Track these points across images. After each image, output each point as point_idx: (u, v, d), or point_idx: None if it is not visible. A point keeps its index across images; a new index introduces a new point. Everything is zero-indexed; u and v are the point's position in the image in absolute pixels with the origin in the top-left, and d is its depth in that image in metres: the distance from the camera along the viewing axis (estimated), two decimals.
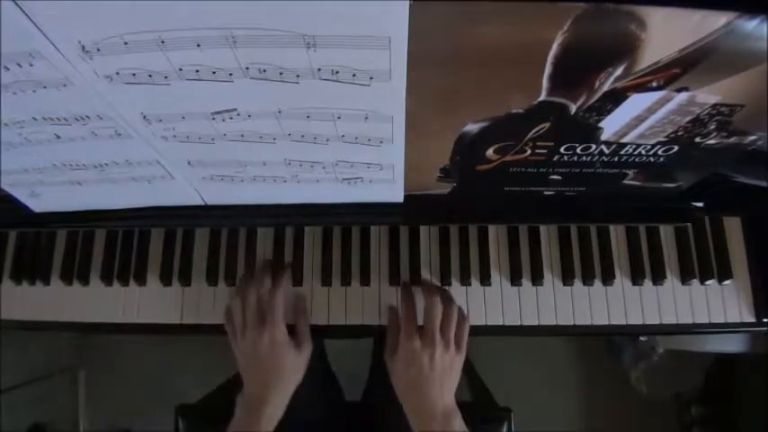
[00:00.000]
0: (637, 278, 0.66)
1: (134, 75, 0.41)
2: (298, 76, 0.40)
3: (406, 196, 0.61)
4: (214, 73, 0.40)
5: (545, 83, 0.41)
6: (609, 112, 0.45)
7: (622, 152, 0.51)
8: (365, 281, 0.67)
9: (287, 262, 0.67)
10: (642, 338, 1.23)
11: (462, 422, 0.55)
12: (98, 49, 0.38)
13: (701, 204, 0.65)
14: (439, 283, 0.67)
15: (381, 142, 0.50)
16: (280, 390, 0.57)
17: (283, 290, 0.61)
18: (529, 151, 0.51)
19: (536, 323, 0.65)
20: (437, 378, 0.55)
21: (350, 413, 0.85)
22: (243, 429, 0.56)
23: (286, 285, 0.63)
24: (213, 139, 0.50)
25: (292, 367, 0.58)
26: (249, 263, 0.68)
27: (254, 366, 0.57)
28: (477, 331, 0.65)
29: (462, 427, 0.55)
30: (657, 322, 0.65)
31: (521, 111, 0.45)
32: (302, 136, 0.49)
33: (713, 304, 0.65)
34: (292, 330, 0.63)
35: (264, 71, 0.40)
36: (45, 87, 0.42)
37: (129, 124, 0.48)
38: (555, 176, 0.57)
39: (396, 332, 0.59)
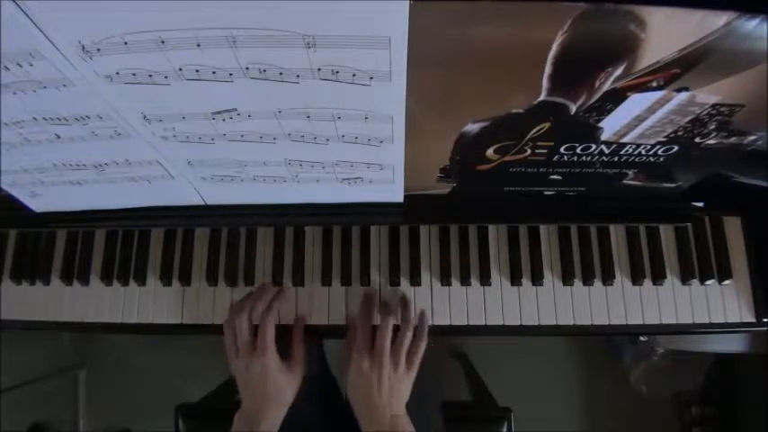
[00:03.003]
0: (637, 278, 0.66)
1: (134, 75, 0.41)
2: (298, 76, 0.40)
3: (406, 196, 0.61)
4: (214, 73, 0.40)
5: (545, 83, 0.41)
6: (609, 112, 0.45)
7: (622, 152, 0.51)
8: (365, 281, 0.67)
9: (283, 285, 0.67)
10: (642, 338, 1.22)
11: (409, 423, 0.58)
12: (98, 49, 0.38)
13: (701, 204, 0.65)
14: (439, 283, 0.67)
15: (381, 142, 0.50)
16: (272, 410, 0.59)
17: (275, 315, 0.62)
18: (529, 151, 0.51)
19: (536, 323, 0.65)
20: (384, 396, 0.57)
21: (349, 413, 0.84)
22: None
23: (284, 303, 0.66)
24: (213, 139, 0.50)
25: (284, 389, 0.60)
26: (249, 263, 0.68)
27: (249, 387, 0.60)
28: (477, 331, 0.65)
29: (409, 427, 0.58)
30: (657, 322, 0.65)
31: (521, 111, 0.45)
32: (302, 136, 0.49)
33: (713, 304, 0.65)
34: (287, 333, 0.64)
35: (264, 71, 0.40)
36: (45, 87, 0.42)
37: (129, 124, 0.48)
38: (555, 176, 0.57)
39: (351, 345, 0.61)
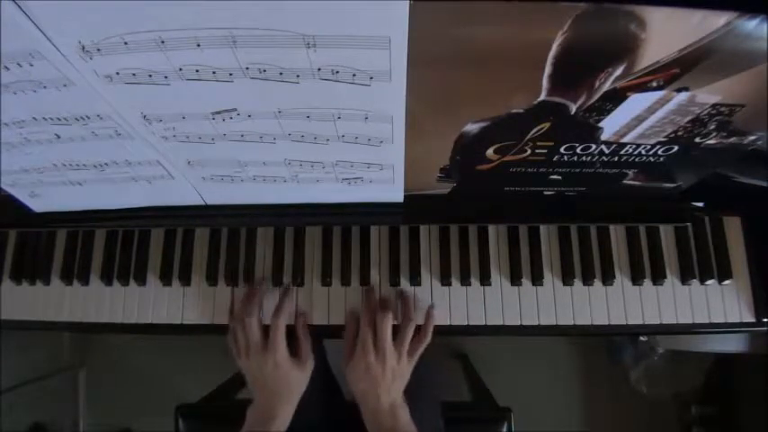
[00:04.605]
0: (637, 278, 0.66)
1: (134, 75, 0.41)
2: (298, 76, 0.40)
3: (406, 196, 0.61)
4: (214, 73, 0.40)
5: (545, 83, 0.41)
6: (609, 112, 0.45)
7: (622, 152, 0.51)
8: (365, 281, 0.67)
9: (285, 283, 0.68)
10: (642, 338, 1.23)
11: (407, 414, 0.61)
12: (98, 49, 0.38)
13: (701, 204, 0.65)
14: (439, 283, 0.67)
15: (381, 142, 0.50)
16: (285, 405, 0.61)
17: (286, 315, 0.63)
18: (529, 151, 0.51)
19: (536, 323, 0.65)
20: (387, 384, 0.60)
21: (349, 413, 0.84)
22: None
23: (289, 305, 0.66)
24: (213, 139, 0.50)
25: (296, 384, 0.63)
26: (249, 263, 0.68)
27: (261, 385, 0.62)
28: (477, 331, 0.65)
29: (406, 417, 0.61)
30: (657, 322, 0.65)
31: (521, 111, 0.45)
32: (302, 136, 0.49)
33: (713, 304, 0.65)
34: (292, 334, 0.65)
35: (264, 71, 0.40)
36: (45, 87, 0.42)
37: (130, 124, 0.48)
38: (555, 176, 0.57)
39: (352, 340, 0.63)
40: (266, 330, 0.62)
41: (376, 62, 0.39)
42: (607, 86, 0.41)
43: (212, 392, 0.94)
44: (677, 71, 0.39)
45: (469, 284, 0.67)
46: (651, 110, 0.44)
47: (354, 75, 0.40)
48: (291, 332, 0.65)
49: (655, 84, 0.41)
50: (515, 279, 0.66)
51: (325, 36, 0.36)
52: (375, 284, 0.67)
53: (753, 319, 0.65)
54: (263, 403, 0.61)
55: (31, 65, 0.40)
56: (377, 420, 0.60)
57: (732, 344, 0.94)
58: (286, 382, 0.62)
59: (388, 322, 0.61)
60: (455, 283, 0.67)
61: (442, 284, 0.67)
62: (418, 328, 0.64)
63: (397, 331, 0.62)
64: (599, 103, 0.43)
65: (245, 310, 0.63)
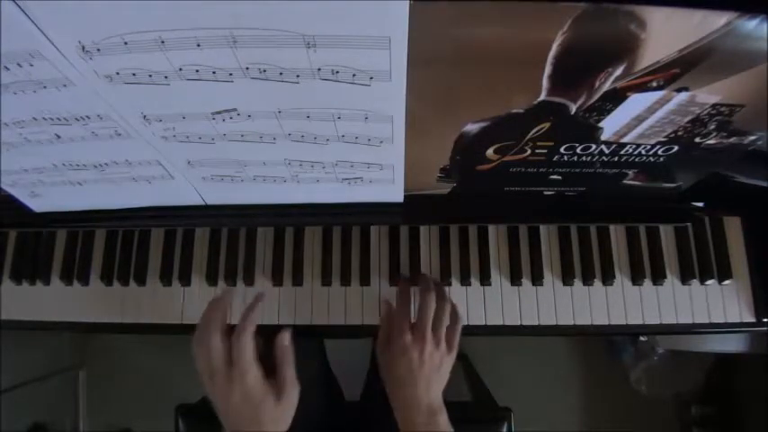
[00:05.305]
0: (637, 278, 0.66)
1: (134, 75, 0.41)
2: (298, 76, 0.40)
3: (406, 196, 0.61)
4: (214, 73, 0.40)
5: (545, 83, 0.41)
6: (609, 112, 0.45)
7: (622, 152, 0.51)
8: (365, 281, 0.67)
9: (258, 293, 0.60)
10: (642, 338, 1.23)
11: (447, 420, 0.55)
12: (98, 49, 0.38)
13: (701, 204, 0.65)
14: (438, 281, 0.67)
15: (381, 142, 0.50)
16: None
17: (250, 333, 0.53)
18: (529, 151, 0.51)
19: (536, 323, 0.65)
20: (425, 375, 0.55)
21: (350, 413, 0.85)
22: None
23: (257, 320, 0.55)
24: (213, 139, 0.50)
25: (271, 420, 0.52)
26: (249, 263, 0.68)
27: (229, 418, 0.52)
28: (477, 331, 0.65)
29: (447, 426, 0.54)
30: (657, 322, 0.65)
31: (521, 111, 0.45)
32: (302, 136, 0.49)
33: (713, 304, 0.65)
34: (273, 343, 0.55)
35: (264, 71, 0.40)
36: (45, 87, 0.42)
37: (130, 124, 0.48)
38: (555, 176, 0.57)
39: (389, 326, 0.59)
40: (233, 351, 0.52)
41: (376, 62, 0.39)
42: (607, 86, 0.41)
43: None
44: (677, 71, 0.39)
45: (469, 284, 0.67)
46: (651, 110, 0.44)
47: (354, 75, 0.40)
48: (271, 354, 0.55)
49: (655, 84, 0.41)
50: (515, 279, 0.66)
51: (325, 36, 0.36)
52: (375, 285, 0.67)
53: (753, 319, 0.65)
54: None
55: (31, 65, 0.40)
56: (410, 419, 0.54)
57: (732, 344, 0.94)
58: (256, 417, 0.50)
59: (429, 304, 0.57)
60: (455, 283, 0.67)
61: (442, 284, 0.67)
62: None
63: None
64: (599, 103, 0.43)
65: (205, 329, 0.52)
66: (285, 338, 0.55)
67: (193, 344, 0.53)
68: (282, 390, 0.53)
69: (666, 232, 0.67)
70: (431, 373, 0.55)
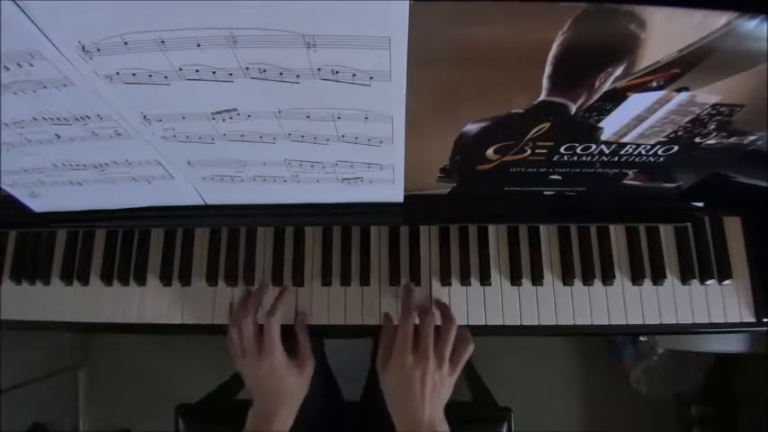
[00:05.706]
0: (637, 278, 0.66)
1: (134, 75, 0.41)
2: (298, 76, 0.40)
3: (406, 196, 0.61)
4: (214, 73, 0.40)
5: (545, 83, 0.41)
6: (609, 112, 0.45)
7: (622, 152, 0.51)
8: (365, 281, 0.67)
9: (284, 285, 0.67)
10: (642, 338, 1.22)
11: (446, 426, 0.56)
12: (98, 49, 0.38)
13: (701, 204, 0.65)
14: (439, 283, 0.67)
15: (381, 142, 0.50)
16: (284, 408, 0.59)
17: (280, 315, 0.62)
18: (529, 151, 0.51)
19: (536, 323, 0.65)
20: (426, 394, 0.55)
21: (349, 413, 0.85)
22: None
23: (287, 304, 0.65)
24: (213, 139, 0.50)
25: (295, 388, 0.61)
26: (249, 263, 0.68)
27: (259, 389, 0.60)
28: (477, 331, 0.65)
29: (445, 427, 0.55)
30: (657, 322, 0.65)
31: (521, 111, 0.45)
32: (302, 136, 0.49)
33: (713, 304, 0.65)
34: (291, 332, 0.64)
35: (264, 71, 0.40)
36: (45, 87, 0.42)
37: (130, 124, 0.48)
38: (555, 176, 0.57)
39: (389, 342, 0.59)
40: (263, 333, 0.61)
41: (376, 62, 0.39)
42: (607, 86, 0.41)
43: (212, 392, 0.93)
44: (677, 71, 0.39)
45: (469, 284, 0.67)
46: (651, 110, 0.44)
47: (354, 75, 0.40)
48: (291, 334, 0.64)
49: (655, 84, 0.41)
50: (515, 279, 0.66)
51: (325, 36, 0.36)
52: (375, 285, 0.67)
53: (753, 319, 0.65)
54: (262, 407, 0.60)
55: (31, 65, 0.40)
56: None
57: (732, 344, 0.94)
58: (283, 385, 0.60)
59: (430, 324, 0.58)
60: (455, 283, 0.67)
61: (442, 285, 0.67)
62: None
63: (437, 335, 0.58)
64: (599, 103, 0.43)
65: (240, 313, 0.62)
66: (304, 320, 0.65)
67: (230, 325, 0.62)
68: (303, 363, 0.62)
69: (666, 232, 0.67)
70: (432, 392, 0.56)
